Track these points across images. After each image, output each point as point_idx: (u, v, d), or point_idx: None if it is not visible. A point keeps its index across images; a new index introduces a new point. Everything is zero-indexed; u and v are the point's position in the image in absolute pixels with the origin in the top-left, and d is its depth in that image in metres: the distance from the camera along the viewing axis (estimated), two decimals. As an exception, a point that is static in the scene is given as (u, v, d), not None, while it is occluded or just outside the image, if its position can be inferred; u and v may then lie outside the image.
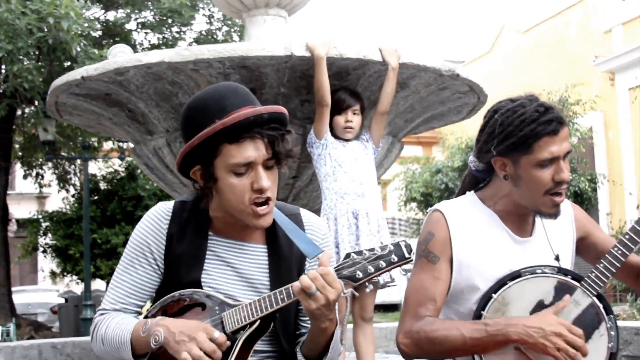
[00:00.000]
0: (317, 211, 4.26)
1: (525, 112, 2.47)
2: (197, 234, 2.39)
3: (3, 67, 12.52)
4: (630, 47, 16.63)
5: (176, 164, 2.34)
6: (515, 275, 2.49)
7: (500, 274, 2.51)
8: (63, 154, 18.17)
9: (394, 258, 2.14)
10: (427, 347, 2.47)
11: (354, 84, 4.71)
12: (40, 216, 18.44)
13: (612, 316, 2.48)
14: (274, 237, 2.43)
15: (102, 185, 17.92)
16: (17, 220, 23.07)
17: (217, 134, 2.19)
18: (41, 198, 26.99)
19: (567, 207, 2.76)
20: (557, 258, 2.56)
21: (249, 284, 2.39)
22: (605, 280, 2.46)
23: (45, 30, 11.46)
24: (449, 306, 2.61)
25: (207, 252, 2.39)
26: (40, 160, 17.86)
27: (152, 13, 16.11)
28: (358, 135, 4.65)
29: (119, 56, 4.95)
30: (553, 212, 2.52)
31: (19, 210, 23.10)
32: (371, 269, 2.15)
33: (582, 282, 2.48)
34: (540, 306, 2.46)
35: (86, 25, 11.91)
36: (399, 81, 4.73)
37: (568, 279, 2.49)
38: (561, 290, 2.47)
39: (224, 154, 2.22)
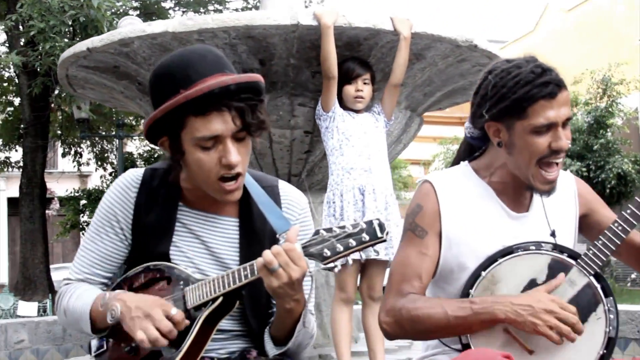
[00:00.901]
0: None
1: (520, 73, 2.27)
2: (167, 204, 2.26)
3: (37, 45, 12.51)
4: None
5: (143, 133, 2.20)
6: (506, 252, 2.30)
7: (492, 251, 2.32)
8: (101, 133, 18.24)
9: (365, 237, 1.97)
10: (408, 326, 2.30)
11: (366, 55, 4.53)
12: (79, 194, 18.54)
13: (611, 298, 2.27)
14: (247, 211, 2.28)
15: (140, 164, 17.95)
16: (60, 199, 23.31)
17: (181, 106, 2.04)
18: (83, 177, 27.18)
19: (571, 181, 2.55)
20: (552, 234, 2.35)
21: (218, 260, 2.26)
22: (603, 258, 2.25)
23: (77, 7, 11.44)
24: (437, 285, 2.43)
25: (177, 224, 2.26)
26: (77, 139, 17.94)
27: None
28: (369, 107, 4.48)
29: (127, 27, 4.82)
30: (545, 190, 2.32)
31: (61, 188, 23.32)
32: (340, 247, 1.98)
33: (578, 260, 2.27)
34: (532, 285, 2.25)
35: (119, 3, 11.85)
36: (414, 52, 4.54)
37: (564, 256, 2.29)
38: (555, 269, 2.27)
39: (190, 127, 2.07)
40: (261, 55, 4.46)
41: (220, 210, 2.27)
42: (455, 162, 2.59)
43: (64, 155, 18.57)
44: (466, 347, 2.24)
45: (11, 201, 27.53)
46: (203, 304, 2.09)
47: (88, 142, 18.16)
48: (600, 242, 2.25)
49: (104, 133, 18.29)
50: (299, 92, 4.68)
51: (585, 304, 2.24)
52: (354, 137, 4.31)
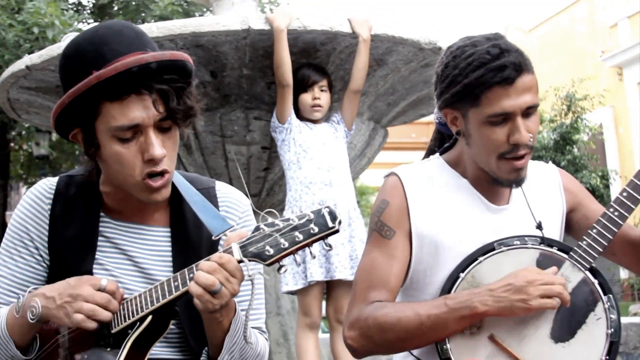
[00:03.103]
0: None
1: (474, 54, 1.97)
2: (87, 215, 1.94)
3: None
4: (637, 41, 16.13)
5: (51, 124, 1.87)
6: (487, 249, 2.01)
7: (469, 249, 2.02)
8: (63, 171, 17.80)
9: (314, 228, 1.66)
10: (377, 336, 1.99)
11: (324, 61, 4.25)
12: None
13: (610, 296, 1.97)
14: (179, 218, 1.97)
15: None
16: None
17: (93, 90, 1.72)
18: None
19: (554, 173, 2.27)
20: (539, 226, 2.04)
21: (148, 276, 1.93)
22: (599, 249, 1.96)
23: (32, 40, 11.13)
24: (409, 294, 2.13)
25: (99, 237, 1.94)
26: (39, 177, 17.47)
27: (143, 22, 15.75)
28: (328, 117, 4.19)
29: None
30: (513, 179, 2.03)
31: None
32: (285, 243, 1.67)
33: (571, 253, 1.98)
34: (519, 285, 1.96)
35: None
36: (374, 57, 4.28)
37: (554, 250, 2.00)
38: (545, 265, 1.98)
39: (105, 115, 1.76)
40: (212, 66, 4.17)
41: (147, 220, 1.96)
42: (427, 154, 2.30)
43: (26, 195, 18.05)
44: (446, 362, 1.94)
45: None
46: (129, 325, 1.77)
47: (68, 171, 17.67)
48: (594, 230, 1.97)
49: (64, 170, 17.84)
50: (254, 104, 4.38)
51: (582, 303, 1.95)
52: (312, 149, 4.02)
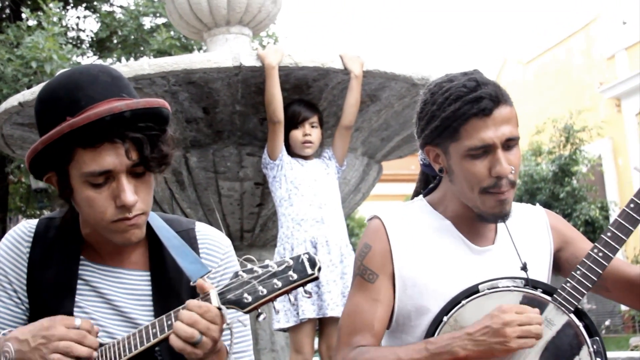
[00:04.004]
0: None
1: (451, 88, 1.97)
2: (66, 258, 1.92)
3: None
4: (635, 72, 16.17)
5: (26, 167, 1.86)
6: (471, 292, 1.99)
7: (453, 292, 2.00)
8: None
9: (293, 276, 1.66)
10: None
11: (316, 97, 4.26)
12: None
13: (597, 338, 1.95)
14: (159, 262, 1.94)
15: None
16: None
17: (66, 137, 1.71)
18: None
19: (541, 214, 2.26)
20: (524, 267, 2.03)
21: (128, 320, 1.90)
22: (583, 291, 1.94)
23: (31, 74, 11.17)
24: (394, 336, 2.11)
25: (78, 281, 1.91)
26: (37, 211, 17.44)
27: (142, 55, 15.83)
28: (319, 153, 4.18)
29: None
30: (498, 213, 2.01)
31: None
32: (263, 290, 1.66)
33: (554, 295, 1.96)
34: (503, 328, 1.93)
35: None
36: (367, 93, 4.29)
37: (538, 292, 1.98)
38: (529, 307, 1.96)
39: (77, 161, 1.75)
40: (204, 102, 4.17)
41: (126, 263, 1.94)
42: (413, 196, 2.30)
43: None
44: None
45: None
46: None
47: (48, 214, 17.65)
48: (578, 272, 1.95)
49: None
50: (246, 140, 4.38)
51: (566, 347, 1.93)
52: (304, 186, 4.02)
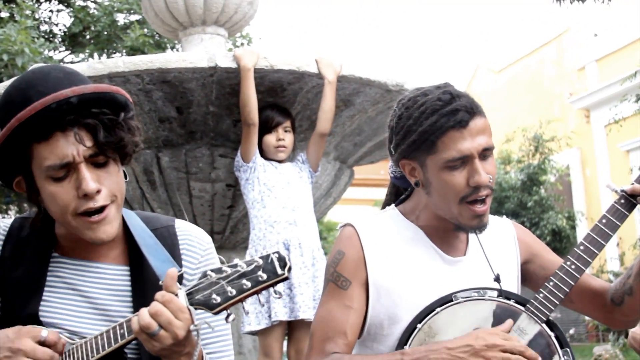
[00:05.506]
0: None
1: (426, 102, 1.98)
2: (36, 256, 1.88)
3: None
4: (604, 84, 16.36)
5: None
6: (445, 301, 1.99)
7: (426, 301, 2.00)
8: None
9: (262, 276, 1.63)
10: None
11: (291, 100, 4.25)
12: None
13: (567, 349, 1.97)
14: (138, 256, 1.90)
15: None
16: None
17: (19, 134, 1.70)
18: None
19: (509, 226, 2.28)
20: (497, 279, 2.04)
21: (105, 316, 1.86)
22: (556, 302, 1.96)
23: (1, 67, 11.03)
24: (366, 345, 2.10)
25: (51, 278, 1.87)
26: (4, 205, 17.22)
27: (115, 52, 15.72)
28: (293, 157, 4.18)
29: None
30: (475, 225, 2.02)
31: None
32: (232, 291, 1.63)
33: (527, 305, 1.97)
34: (476, 336, 1.94)
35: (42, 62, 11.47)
36: (342, 98, 4.28)
37: (511, 302, 1.99)
38: (502, 316, 1.97)
39: (37, 157, 1.73)
40: (178, 102, 4.14)
41: (103, 257, 1.90)
42: (383, 207, 2.30)
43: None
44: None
45: None
46: None
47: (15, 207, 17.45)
48: (551, 283, 1.97)
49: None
50: (219, 142, 4.36)
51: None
52: (277, 188, 4.02)
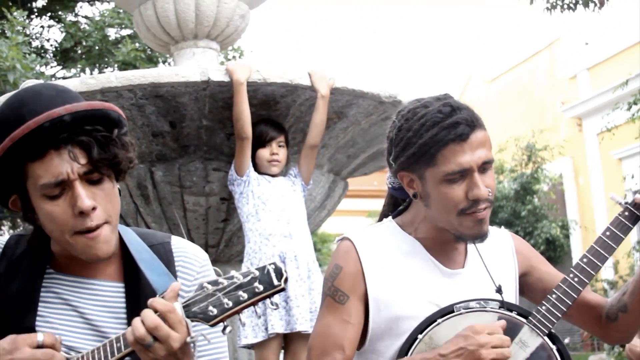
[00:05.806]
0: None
1: (426, 114, 1.96)
2: (31, 272, 1.87)
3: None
4: (596, 93, 16.39)
5: None
6: (446, 312, 1.97)
7: (425, 314, 1.98)
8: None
9: (259, 287, 1.60)
10: None
11: (283, 113, 4.24)
12: None
13: (569, 362, 1.95)
14: (133, 273, 1.89)
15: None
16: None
17: (13, 153, 1.69)
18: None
19: (507, 237, 2.26)
20: (499, 290, 2.02)
21: (99, 333, 1.84)
22: (558, 315, 1.94)
23: (-8, 84, 11.00)
24: (366, 357, 2.09)
25: (46, 293, 1.86)
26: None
27: (107, 67, 15.71)
28: (285, 171, 4.18)
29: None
30: (476, 233, 2.01)
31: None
32: (229, 303, 1.61)
33: (529, 318, 1.95)
34: (477, 348, 1.92)
35: (39, 80, 11.46)
36: (335, 110, 4.27)
37: (513, 314, 1.97)
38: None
39: (31, 175, 1.72)
40: (171, 116, 4.13)
41: (99, 274, 1.89)
42: (381, 218, 2.27)
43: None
44: None
45: None
46: None
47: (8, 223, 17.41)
48: (554, 296, 1.95)
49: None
50: (213, 155, 4.35)
51: (539, 370, 1.91)
52: (271, 202, 4.01)
